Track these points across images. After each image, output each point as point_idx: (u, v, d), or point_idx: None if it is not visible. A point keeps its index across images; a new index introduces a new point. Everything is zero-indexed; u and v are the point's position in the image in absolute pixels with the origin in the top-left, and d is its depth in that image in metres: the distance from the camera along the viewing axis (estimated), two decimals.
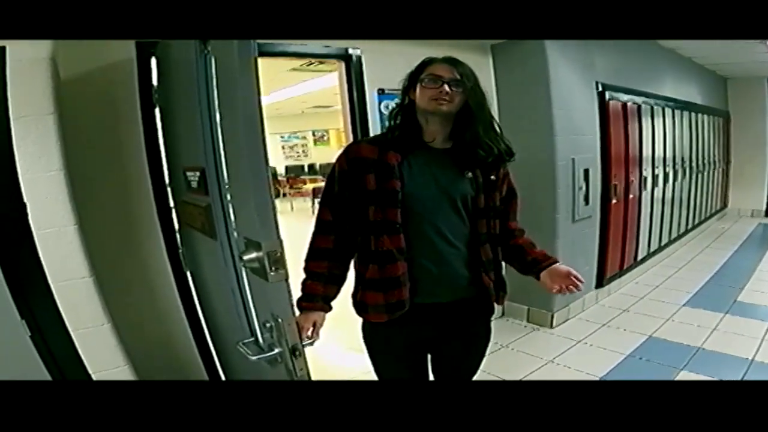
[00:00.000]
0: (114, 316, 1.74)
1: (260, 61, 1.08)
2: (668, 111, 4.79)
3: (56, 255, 1.60)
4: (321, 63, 4.43)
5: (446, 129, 1.36)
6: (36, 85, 1.54)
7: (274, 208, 1.09)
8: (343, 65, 2.70)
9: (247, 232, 1.15)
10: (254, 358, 1.24)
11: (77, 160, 1.69)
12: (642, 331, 3.24)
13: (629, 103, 4.00)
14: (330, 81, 5.85)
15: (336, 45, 2.61)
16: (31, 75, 1.52)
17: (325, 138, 12.74)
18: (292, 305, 1.16)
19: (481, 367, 1.55)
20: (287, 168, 12.43)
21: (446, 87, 1.29)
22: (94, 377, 1.70)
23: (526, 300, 3.41)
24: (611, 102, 3.74)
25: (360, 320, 1.46)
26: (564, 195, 3.32)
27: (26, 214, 1.54)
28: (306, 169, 12.53)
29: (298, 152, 13.06)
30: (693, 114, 5.46)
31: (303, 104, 10.23)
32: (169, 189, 2.03)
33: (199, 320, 2.17)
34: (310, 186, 10.18)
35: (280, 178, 11.67)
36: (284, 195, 10.93)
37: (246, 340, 1.39)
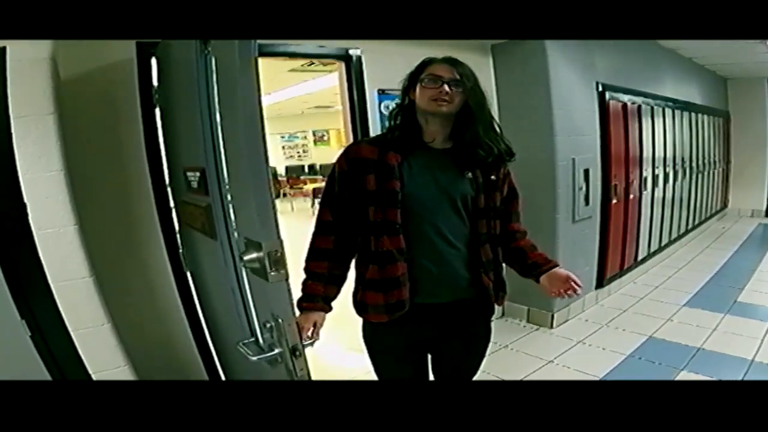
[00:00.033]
0: (114, 316, 1.74)
1: (260, 61, 1.08)
2: (668, 111, 4.79)
3: (56, 255, 1.60)
4: (321, 63, 4.43)
5: (446, 129, 1.36)
6: (36, 85, 1.54)
7: (274, 208, 1.08)
8: (343, 65, 2.70)
9: (248, 233, 1.15)
10: (254, 358, 1.24)
11: (77, 160, 1.69)
12: (642, 332, 3.24)
13: (629, 104, 4.00)
14: (330, 81, 5.85)
15: (336, 45, 2.62)
16: (32, 75, 1.52)
17: (326, 138, 12.74)
18: (292, 305, 1.16)
19: (481, 367, 1.55)
20: (287, 168, 12.44)
21: (446, 87, 1.29)
22: (94, 377, 1.70)
23: (526, 300, 3.41)
24: (611, 102, 3.74)
25: (360, 320, 1.46)
26: (564, 195, 3.32)
27: (26, 214, 1.54)
28: (306, 169, 12.53)
29: (298, 152, 13.07)
30: (693, 114, 5.46)
31: (303, 104, 10.23)
32: (169, 189, 2.03)
33: (199, 320, 2.17)
34: (310, 186, 10.18)
35: (280, 178, 11.69)
36: (284, 195, 10.94)
37: (246, 341, 1.39)
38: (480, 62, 3.25)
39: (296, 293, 1.26)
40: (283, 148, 12.91)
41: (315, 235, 1.40)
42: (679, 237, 5.38)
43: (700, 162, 5.74)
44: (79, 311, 1.66)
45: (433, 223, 1.33)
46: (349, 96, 2.73)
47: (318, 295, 1.36)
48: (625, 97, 3.96)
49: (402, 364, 1.48)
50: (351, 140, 2.72)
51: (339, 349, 2.92)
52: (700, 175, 5.79)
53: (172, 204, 2.04)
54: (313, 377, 1.20)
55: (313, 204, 8.96)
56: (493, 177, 1.38)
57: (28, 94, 1.53)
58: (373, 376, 1.53)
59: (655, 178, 4.56)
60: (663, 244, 4.94)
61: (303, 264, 1.40)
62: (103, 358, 1.72)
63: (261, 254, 1.05)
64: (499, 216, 1.42)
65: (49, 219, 1.58)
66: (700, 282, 4.27)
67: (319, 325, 1.35)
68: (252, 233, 1.11)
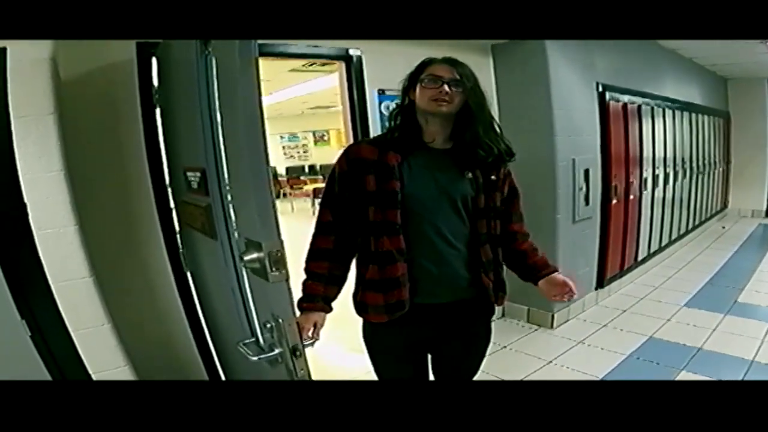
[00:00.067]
0: (114, 316, 1.74)
1: (261, 61, 1.08)
2: (668, 111, 4.79)
3: (56, 255, 1.60)
4: (321, 64, 4.43)
5: (446, 129, 1.36)
6: (36, 86, 1.54)
7: (274, 208, 1.09)
8: (343, 66, 2.70)
9: (248, 233, 1.15)
10: (255, 358, 1.24)
11: (77, 160, 1.69)
12: (642, 332, 3.23)
13: (629, 104, 4.00)
14: (330, 81, 5.85)
15: (336, 45, 2.62)
16: (32, 75, 1.52)
17: (326, 138, 12.74)
18: (292, 306, 1.16)
19: (482, 367, 1.55)
20: (288, 168, 12.45)
21: (446, 87, 1.29)
22: (94, 377, 1.70)
23: (526, 300, 3.41)
24: (611, 102, 3.74)
25: (360, 321, 1.46)
26: (564, 195, 3.32)
27: (26, 214, 1.54)
28: (306, 169, 12.54)
29: (298, 153, 13.07)
30: (693, 114, 5.46)
31: (303, 105, 10.23)
32: (169, 189, 2.03)
33: (200, 321, 2.17)
34: (310, 186, 10.18)
35: (280, 178, 11.69)
36: (285, 195, 10.94)
37: (246, 341, 1.39)
38: (480, 62, 3.25)
39: (296, 293, 1.26)
40: (284, 148, 12.91)
41: (315, 235, 1.40)
42: (680, 237, 5.38)
43: (700, 162, 5.74)
44: (80, 311, 1.66)
45: (433, 223, 1.33)
46: (350, 96, 2.73)
47: (318, 296, 1.36)
48: (626, 98, 3.95)
49: (402, 364, 1.48)
50: (351, 140, 2.72)
51: (339, 350, 2.92)
52: (700, 176, 5.79)
53: (172, 204, 2.04)
54: (314, 377, 1.20)
55: (313, 204, 8.96)
56: (493, 177, 1.38)
57: (29, 94, 1.53)
58: (374, 377, 1.53)
59: (655, 178, 4.56)
60: (663, 244, 4.94)
61: (303, 264, 1.40)
62: (103, 358, 1.72)
63: (261, 254, 1.05)
64: (499, 216, 1.42)
65: (50, 219, 1.58)
66: (700, 282, 4.27)
67: (319, 326, 1.35)
68: (252, 233, 1.11)
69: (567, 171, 3.32)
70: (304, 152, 13.05)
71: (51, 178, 1.57)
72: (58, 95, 1.58)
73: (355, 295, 1.43)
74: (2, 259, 1.52)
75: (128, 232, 2.05)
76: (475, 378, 1.56)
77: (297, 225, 4.17)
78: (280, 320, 1.13)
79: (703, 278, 4.38)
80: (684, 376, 2.61)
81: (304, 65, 5.25)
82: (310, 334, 1.32)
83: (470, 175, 1.36)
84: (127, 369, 1.77)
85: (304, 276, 1.39)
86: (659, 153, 4.59)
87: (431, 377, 1.55)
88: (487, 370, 1.67)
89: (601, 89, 3.66)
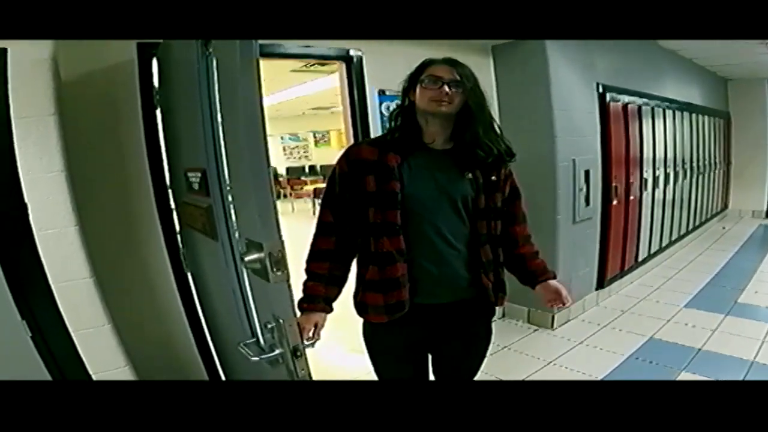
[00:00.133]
0: (115, 316, 1.74)
1: (262, 62, 1.08)
2: (669, 112, 4.79)
3: (57, 256, 1.60)
4: (322, 64, 4.43)
5: (446, 130, 1.36)
6: (37, 86, 1.54)
7: (275, 208, 1.09)
8: (343, 66, 2.70)
9: (249, 233, 1.15)
10: (255, 358, 1.24)
11: (78, 160, 1.69)
12: (643, 333, 3.23)
13: (630, 104, 4.00)
14: (331, 82, 5.85)
15: (337, 46, 2.62)
16: (33, 76, 1.53)
17: (326, 139, 12.75)
18: (293, 306, 1.16)
19: (482, 368, 1.55)
20: (288, 169, 12.45)
21: (446, 88, 1.29)
22: (95, 378, 1.70)
23: (526, 301, 3.40)
24: (612, 103, 3.74)
25: (361, 321, 1.46)
26: (564, 196, 3.32)
27: (27, 215, 1.54)
28: (307, 170, 12.54)
29: (299, 153, 13.07)
30: (693, 115, 5.46)
31: (304, 105, 10.23)
32: (170, 190, 2.03)
33: (200, 321, 2.17)
34: (311, 187, 10.18)
35: (281, 179, 11.69)
36: (285, 196, 10.94)
37: (247, 341, 1.39)
38: (480, 63, 3.25)
39: (297, 294, 1.26)
40: (284, 148, 12.92)
41: (316, 236, 1.40)
42: (680, 238, 5.37)
43: (701, 163, 5.74)
44: (80, 312, 1.66)
45: (433, 223, 1.33)
46: (350, 97, 2.73)
47: (319, 296, 1.36)
48: (626, 98, 3.95)
49: (402, 364, 1.48)
50: (352, 141, 2.72)
51: (340, 350, 2.92)
52: (700, 176, 5.78)
53: (173, 205, 2.04)
54: (314, 378, 1.20)
55: (313, 205, 8.96)
56: (493, 177, 1.38)
57: (29, 95, 1.53)
58: (374, 377, 1.53)
59: (655, 179, 4.56)
60: (663, 245, 4.94)
61: (304, 265, 1.40)
62: (104, 359, 1.72)
63: (262, 255, 1.05)
64: (500, 217, 1.42)
65: (50, 219, 1.58)
66: (701, 283, 4.27)
67: (320, 326, 1.35)
68: (253, 234, 1.11)
69: (567, 171, 3.32)
70: (305, 153, 13.05)
71: (52, 179, 1.57)
72: (59, 96, 1.59)
73: (355, 296, 1.43)
74: (3, 259, 1.52)
75: (129, 232, 2.05)
76: (476, 378, 1.56)
77: (297, 225, 4.18)
78: (281, 321, 1.13)
79: (703, 279, 4.38)
80: (684, 376, 2.61)
81: (304, 66, 5.25)
82: (310, 334, 1.32)
83: (470, 175, 1.36)
84: (127, 369, 1.77)
85: (304, 276, 1.39)
86: (659, 153, 4.59)
87: (431, 377, 1.55)
88: (488, 371, 1.66)
89: (601, 90, 3.66)
